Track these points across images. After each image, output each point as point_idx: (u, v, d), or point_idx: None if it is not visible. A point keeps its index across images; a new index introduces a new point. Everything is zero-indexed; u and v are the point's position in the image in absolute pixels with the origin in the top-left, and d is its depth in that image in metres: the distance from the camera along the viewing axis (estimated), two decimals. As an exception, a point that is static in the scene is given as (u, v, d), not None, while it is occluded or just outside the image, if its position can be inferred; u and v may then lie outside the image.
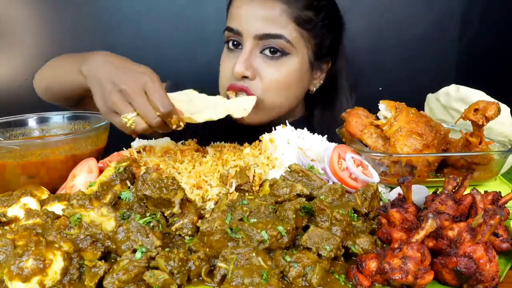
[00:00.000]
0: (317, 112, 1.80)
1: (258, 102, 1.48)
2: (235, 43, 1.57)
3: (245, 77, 1.51)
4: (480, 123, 1.17)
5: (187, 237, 0.94)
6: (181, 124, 1.10)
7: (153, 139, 1.39)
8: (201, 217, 0.99)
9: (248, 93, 1.51)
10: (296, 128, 1.33)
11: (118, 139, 1.40)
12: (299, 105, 1.74)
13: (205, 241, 0.88)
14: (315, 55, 1.61)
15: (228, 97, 1.49)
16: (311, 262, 0.81)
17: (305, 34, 1.55)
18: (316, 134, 1.33)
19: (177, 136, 1.41)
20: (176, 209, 0.95)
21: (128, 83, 1.08)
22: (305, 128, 1.34)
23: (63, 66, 1.51)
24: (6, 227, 0.97)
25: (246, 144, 1.35)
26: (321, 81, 1.72)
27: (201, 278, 0.82)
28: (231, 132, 1.65)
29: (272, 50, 1.51)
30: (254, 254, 0.81)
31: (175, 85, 1.73)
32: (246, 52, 1.51)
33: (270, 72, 1.52)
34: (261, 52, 1.53)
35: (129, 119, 1.06)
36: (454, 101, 1.44)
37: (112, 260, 0.88)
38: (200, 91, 1.35)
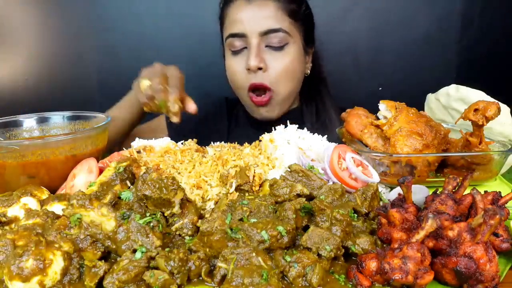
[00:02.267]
0: (305, 103, 2.04)
1: (273, 95, 1.78)
2: (238, 48, 1.78)
3: (259, 68, 1.74)
4: (480, 123, 1.17)
5: (187, 237, 0.94)
6: (177, 106, 1.37)
7: (153, 139, 1.40)
8: (201, 217, 0.99)
9: (266, 87, 1.76)
10: (292, 120, 1.39)
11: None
12: (296, 94, 1.96)
13: (205, 241, 0.88)
14: (304, 41, 1.88)
15: (252, 99, 1.79)
16: (311, 262, 0.81)
17: (296, 24, 1.81)
18: (316, 134, 1.33)
19: (178, 136, 1.43)
20: (176, 209, 0.95)
21: (155, 65, 1.52)
22: (306, 127, 1.37)
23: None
24: (6, 227, 0.97)
25: (246, 144, 1.35)
26: (311, 64, 1.97)
27: (201, 278, 0.82)
28: (245, 130, 1.96)
29: (274, 42, 1.74)
30: (254, 254, 0.81)
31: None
32: (255, 47, 1.74)
33: (277, 62, 1.77)
34: (265, 46, 1.75)
35: (143, 85, 1.41)
36: (454, 101, 1.44)
37: (112, 260, 0.88)
38: (201, 91, 1.39)
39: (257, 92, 1.79)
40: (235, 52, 1.80)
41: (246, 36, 1.74)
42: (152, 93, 1.42)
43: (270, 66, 1.76)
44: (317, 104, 2.02)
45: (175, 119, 1.40)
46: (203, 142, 1.42)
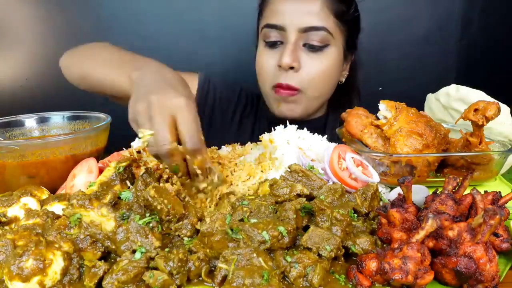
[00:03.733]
0: (332, 113, 1.88)
1: (300, 95, 1.64)
2: (274, 40, 1.64)
3: (291, 68, 1.60)
4: (480, 123, 1.17)
5: (186, 238, 0.93)
6: (203, 167, 0.98)
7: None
8: (200, 218, 0.99)
9: (293, 88, 1.62)
10: (313, 130, 1.35)
11: (118, 139, 1.40)
12: (325, 102, 1.82)
13: (206, 242, 0.88)
14: (347, 46, 1.73)
15: (276, 92, 1.63)
16: (311, 262, 0.81)
17: (341, 26, 1.66)
18: (316, 134, 1.33)
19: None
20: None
21: (159, 98, 0.96)
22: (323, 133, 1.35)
23: (109, 63, 1.41)
24: (6, 227, 0.97)
25: (249, 143, 1.35)
26: (347, 72, 1.82)
27: (201, 278, 0.82)
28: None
29: (314, 42, 1.60)
30: (255, 255, 0.81)
31: (207, 79, 1.81)
32: (292, 44, 1.60)
33: (313, 64, 1.62)
34: (303, 45, 1.62)
35: (144, 135, 0.95)
36: (454, 101, 1.44)
37: (112, 260, 0.88)
38: None
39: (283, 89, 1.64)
40: (269, 45, 1.66)
41: (284, 29, 1.60)
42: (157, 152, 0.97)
43: (304, 67, 1.62)
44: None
45: (202, 185, 1.02)
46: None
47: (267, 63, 1.67)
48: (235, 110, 1.91)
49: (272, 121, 1.67)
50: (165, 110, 0.95)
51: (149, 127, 0.95)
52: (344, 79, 1.82)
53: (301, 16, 1.59)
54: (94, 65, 1.51)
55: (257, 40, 1.78)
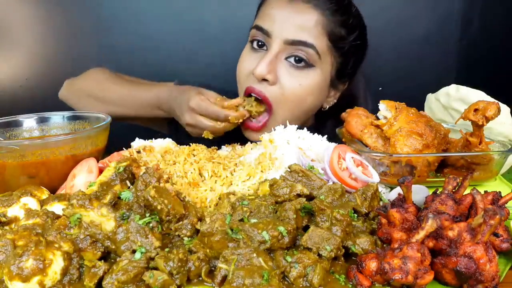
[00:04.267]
0: (330, 124, 1.73)
1: (270, 120, 1.53)
2: (259, 43, 1.54)
3: (264, 80, 1.48)
4: (480, 123, 1.17)
5: (186, 238, 0.93)
6: (240, 119, 1.50)
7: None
8: (200, 218, 0.99)
9: (264, 101, 1.50)
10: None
11: (118, 139, 1.40)
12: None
13: (206, 242, 0.88)
14: (337, 73, 1.59)
15: (245, 123, 1.57)
16: (311, 262, 0.81)
17: (334, 50, 1.53)
18: (316, 134, 1.33)
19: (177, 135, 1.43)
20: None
21: (187, 118, 1.51)
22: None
23: (127, 83, 1.75)
24: (6, 227, 0.97)
25: (249, 143, 1.36)
26: (335, 100, 1.69)
27: (201, 278, 0.82)
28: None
29: (297, 58, 1.48)
30: (255, 255, 0.81)
31: (181, 83, 1.80)
32: (272, 54, 1.48)
33: (291, 81, 1.49)
34: (286, 58, 1.50)
35: (207, 133, 1.51)
36: (454, 101, 1.44)
37: (112, 260, 0.88)
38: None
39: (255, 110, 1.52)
40: (253, 47, 1.55)
41: (270, 35, 1.49)
42: (220, 130, 1.50)
43: (281, 82, 1.48)
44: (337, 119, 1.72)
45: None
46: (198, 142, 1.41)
47: (246, 63, 1.56)
48: None
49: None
50: (190, 109, 1.50)
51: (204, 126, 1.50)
52: (328, 107, 1.68)
53: (290, 27, 1.47)
54: (109, 85, 1.74)
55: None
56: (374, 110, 1.33)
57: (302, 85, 1.50)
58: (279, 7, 1.51)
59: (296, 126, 1.33)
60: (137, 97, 1.70)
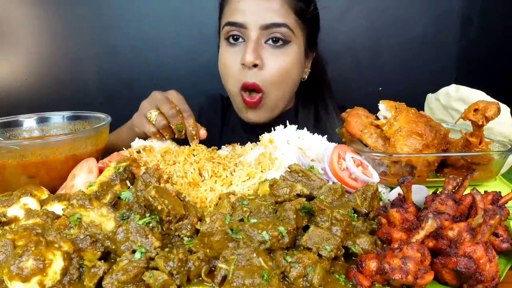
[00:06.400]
0: (301, 104, 1.92)
1: (264, 100, 1.65)
2: (235, 37, 1.65)
3: (255, 66, 1.60)
4: (480, 123, 1.17)
5: (186, 238, 0.93)
6: (195, 131, 1.38)
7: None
8: (200, 218, 0.99)
9: (258, 89, 1.63)
10: (286, 121, 1.37)
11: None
12: (290, 98, 1.83)
13: (206, 242, 0.88)
14: (307, 43, 1.75)
15: (243, 96, 1.65)
16: (311, 263, 0.81)
17: (301, 23, 1.68)
18: (316, 134, 1.33)
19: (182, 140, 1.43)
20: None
21: (155, 92, 1.46)
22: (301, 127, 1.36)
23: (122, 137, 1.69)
24: (6, 227, 0.97)
25: (249, 143, 1.35)
26: (309, 69, 1.84)
27: (201, 278, 0.82)
28: (236, 134, 1.81)
29: (275, 39, 1.62)
30: (255, 255, 0.81)
31: None
32: (253, 42, 1.60)
33: (275, 60, 1.63)
34: (265, 42, 1.63)
35: (153, 116, 1.38)
36: (454, 101, 1.44)
37: (112, 260, 0.88)
38: (199, 90, 1.38)
39: (249, 92, 1.66)
40: (231, 44, 1.66)
41: (245, 27, 1.60)
42: (166, 121, 1.38)
43: (267, 64, 1.62)
44: (317, 107, 1.89)
45: (195, 142, 1.38)
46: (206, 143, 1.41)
47: (230, 61, 1.66)
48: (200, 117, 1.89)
49: (246, 126, 1.80)
50: (162, 94, 1.44)
51: (157, 112, 1.40)
52: (306, 76, 1.84)
53: (262, 13, 1.59)
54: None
55: (219, 39, 1.78)
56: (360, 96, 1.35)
57: (286, 61, 1.65)
58: (246, 0, 1.62)
59: (296, 126, 1.33)
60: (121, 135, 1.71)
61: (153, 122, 1.38)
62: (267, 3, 1.60)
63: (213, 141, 1.46)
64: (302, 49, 1.72)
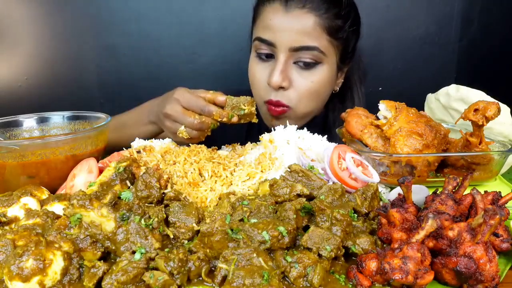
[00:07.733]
0: (331, 111, 1.87)
1: (290, 112, 1.63)
2: (267, 55, 1.62)
3: (281, 87, 1.58)
4: (480, 123, 1.17)
5: (185, 241, 0.93)
6: (225, 118, 1.32)
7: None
8: (199, 220, 0.99)
9: (283, 105, 1.61)
10: (312, 129, 1.35)
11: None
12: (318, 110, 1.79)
13: (206, 242, 0.88)
14: (341, 59, 1.68)
15: (268, 108, 1.62)
16: (312, 263, 0.81)
17: (335, 42, 1.61)
18: (316, 134, 1.33)
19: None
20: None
21: (167, 108, 1.36)
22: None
23: (128, 128, 1.67)
24: (6, 227, 0.97)
25: (249, 143, 1.35)
26: (342, 80, 1.79)
27: (201, 278, 0.82)
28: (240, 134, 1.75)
29: (305, 60, 1.57)
30: (255, 255, 0.81)
31: None
32: (282, 63, 1.57)
33: (303, 82, 1.60)
34: (294, 63, 1.59)
35: (182, 131, 1.34)
36: (454, 101, 1.44)
37: (112, 261, 0.88)
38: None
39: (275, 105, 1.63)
40: (260, 58, 1.65)
41: (274, 46, 1.57)
42: (195, 132, 1.33)
43: (295, 84, 1.59)
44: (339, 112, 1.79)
45: (235, 119, 1.33)
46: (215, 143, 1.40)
47: (258, 75, 1.65)
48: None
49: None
50: (175, 109, 1.35)
51: (184, 129, 1.34)
52: (338, 88, 1.79)
53: (293, 35, 1.54)
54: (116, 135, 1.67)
55: (250, 44, 1.75)
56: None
57: (314, 82, 1.61)
58: (278, 18, 1.57)
59: (296, 126, 1.33)
60: (131, 121, 1.69)
61: (187, 136, 1.34)
62: (299, 23, 1.54)
63: (213, 141, 1.46)
64: (334, 66, 1.66)
